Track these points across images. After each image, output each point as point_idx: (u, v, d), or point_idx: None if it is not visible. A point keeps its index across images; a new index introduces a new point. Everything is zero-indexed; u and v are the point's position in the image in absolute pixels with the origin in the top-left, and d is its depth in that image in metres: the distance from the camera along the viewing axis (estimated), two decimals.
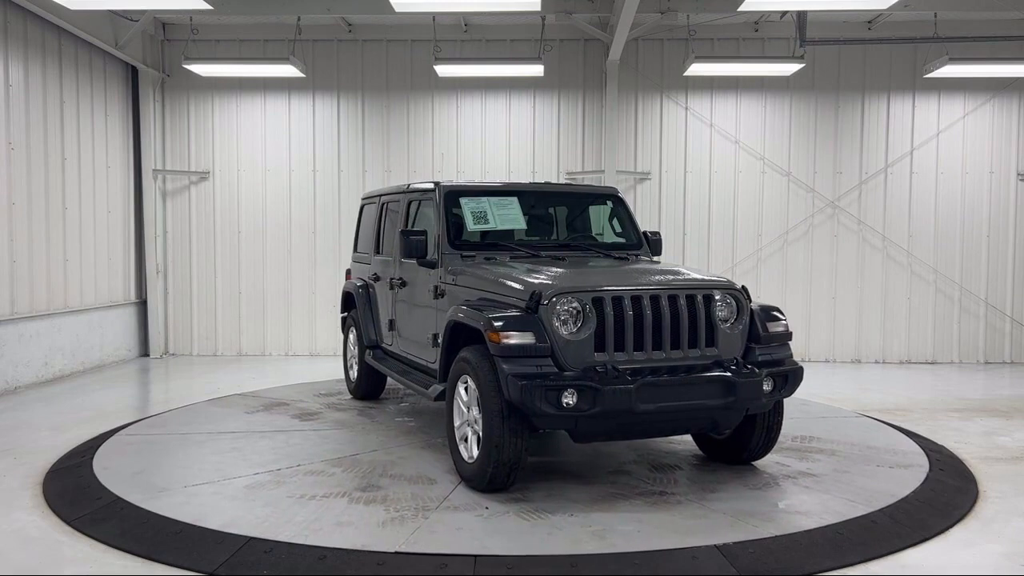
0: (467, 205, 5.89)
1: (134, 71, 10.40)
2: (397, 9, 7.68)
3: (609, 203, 6.47)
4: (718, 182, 10.53)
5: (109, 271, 9.96)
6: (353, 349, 7.60)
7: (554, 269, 5.09)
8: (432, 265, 5.73)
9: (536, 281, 4.74)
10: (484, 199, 5.94)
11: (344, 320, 7.84)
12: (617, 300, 4.62)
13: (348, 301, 7.68)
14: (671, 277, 4.97)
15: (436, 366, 5.61)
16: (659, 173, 10.54)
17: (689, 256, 10.53)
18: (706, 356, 4.74)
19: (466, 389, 4.88)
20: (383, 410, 7.10)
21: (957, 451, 5.94)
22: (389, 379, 7.46)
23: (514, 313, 4.58)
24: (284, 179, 10.69)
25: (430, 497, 4.68)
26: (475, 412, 4.74)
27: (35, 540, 4.14)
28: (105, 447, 5.75)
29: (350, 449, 5.75)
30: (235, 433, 6.18)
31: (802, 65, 9.43)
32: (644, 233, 6.36)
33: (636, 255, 6.11)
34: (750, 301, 5.02)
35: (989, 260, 10.49)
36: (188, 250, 10.78)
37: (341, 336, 7.99)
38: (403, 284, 6.39)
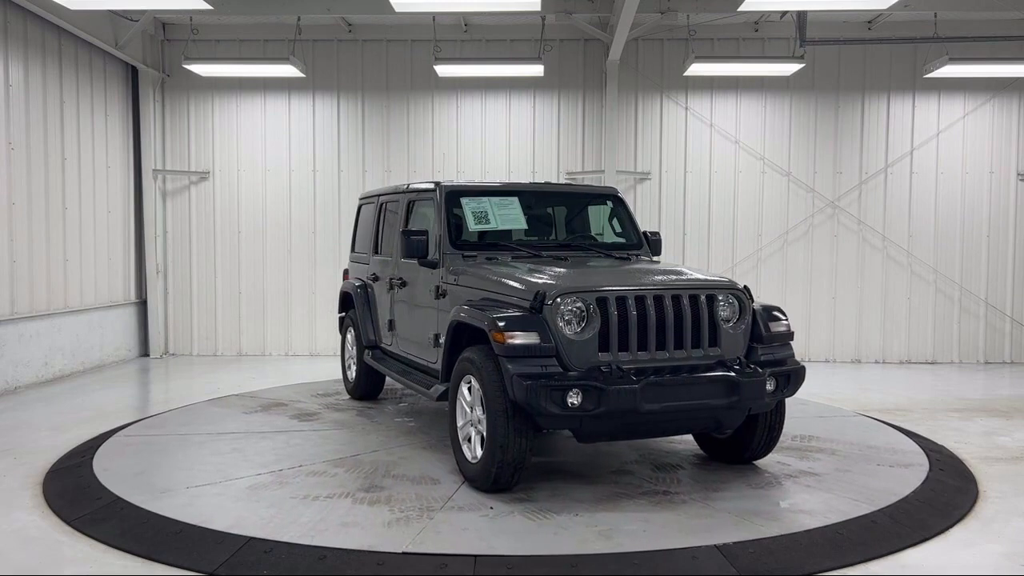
0: (468, 205, 5.89)
1: (134, 71, 10.40)
2: (397, 9, 7.68)
3: (609, 203, 6.47)
4: (718, 182, 10.53)
5: (109, 271, 9.97)
6: (351, 349, 7.59)
7: (557, 269, 5.10)
8: (433, 265, 5.73)
9: (540, 281, 4.74)
10: (485, 199, 5.94)
11: (342, 320, 7.83)
12: (621, 300, 4.63)
13: (346, 301, 7.68)
14: (674, 277, 4.97)
15: (437, 366, 5.61)
16: (659, 173, 10.54)
17: (689, 256, 10.53)
18: (709, 356, 4.75)
19: (469, 389, 4.87)
20: (382, 410, 7.10)
21: (957, 451, 5.94)
22: (387, 379, 7.48)
23: (518, 313, 4.59)
24: (284, 179, 10.70)
25: (434, 497, 4.67)
26: (479, 412, 4.74)
27: (35, 540, 4.14)
28: (105, 448, 5.75)
29: (351, 449, 5.74)
30: (235, 434, 6.18)
31: (802, 65, 9.43)
32: (644, 233, 6.36)
33: (636, 255, 6.11)
34: (752, 301, 5.03)
35: (989, 260, 10.49)
36: (188, 250, 10.78)
37: (340, 336, 7.99)
38: (403, 284, 6.39)
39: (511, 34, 10.38)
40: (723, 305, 4.86)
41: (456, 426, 5.03)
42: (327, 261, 10.61)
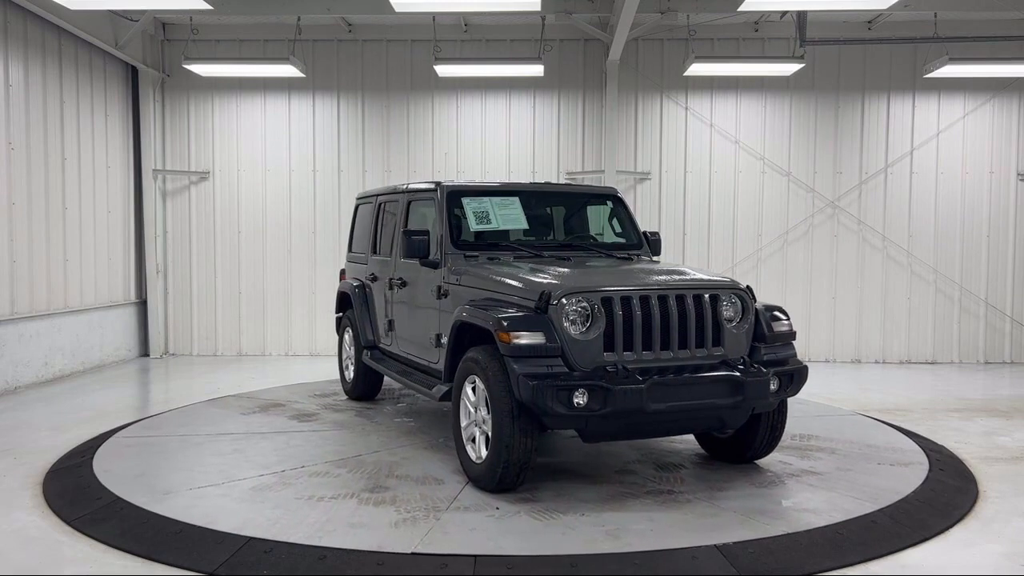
0: (469, 205, 5.89)
1: (134, 71, 10.40)
2: (397, 9, 7.68)
3: (609, 203, 6.47)
4: (718, 182, 10.53)
5: (109, 271, 9.97)
6: (349, 350, 7.59)
7: (561, 269, 5.10)
8: (434, 265, 5.73)
9: (544, 281, 4.74)
10: (486, 199, 5.95)
11: (339, 320, 7.81)
12: (626, 300, 4.64)
13: (344, 301, 7.67)
14: (677, 277, 4.98)
15: (438, 366, 5.61)
16: (659, 173, 10.54)
17: (689, 256, 10.53)
18: (713, 356, 4.77)
19: (474, 389, 4.87)
20: (381, 411, 7.10)
21: (957, 451, 5.94)
22: (385, 380, 7.47)
23: (524, 313, 4.59)
24: (284, 179, 10.70)
25: (439, 498, 4.67)
26: (483, 412, 4.74)
27: (35, 540, 4.14)
28: (104, 448, 5.74)
29: (352, 450, 5.74)
30: (234, 434, 6.18)
31: (802, 65, 9.43)
32: (644, 233, 6.37)
33: (637, 255, 6.12)
34: (755, 301, 5.04)
35: (989, 260, 10.49)
36: (188, 250, 10.78)
37: (337, 337, 7.99)
38: (403, 284, 6.38)
39: (511, 34, 10.38)
40: (726, 305, 4.88)
41: (460, 426, 5.02)
42: (327, 261, 10.61)
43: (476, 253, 5.65)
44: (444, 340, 5.38)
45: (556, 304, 4.53)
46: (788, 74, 9.98)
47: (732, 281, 5.05)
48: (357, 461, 5.45)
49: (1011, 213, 10.47)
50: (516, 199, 6.04)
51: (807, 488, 4.92)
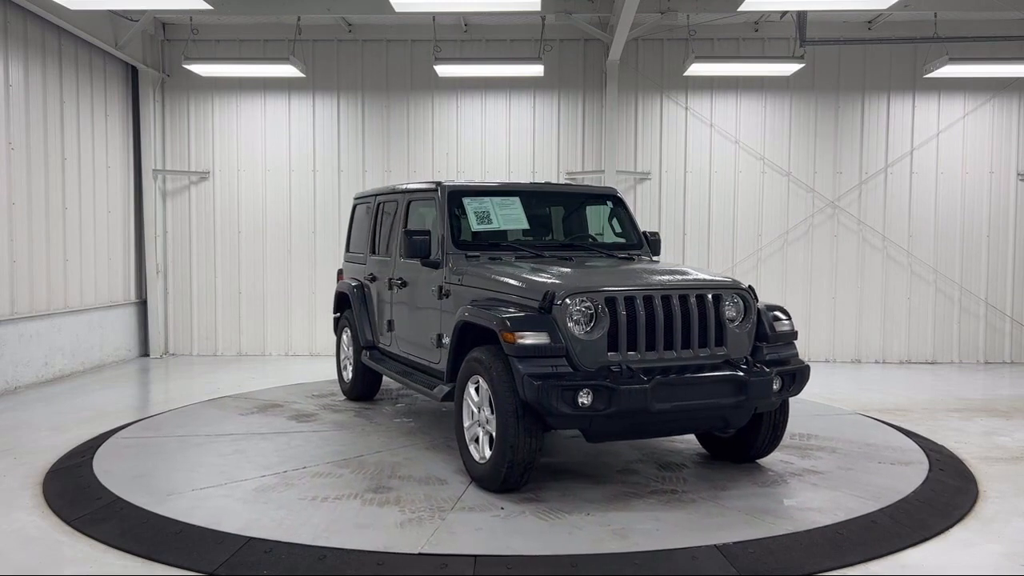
0: (470, 205, 5.89)
1: (134, 71, 10.40)
2: (397, 9, 7.68)
3: (609, 203, 6.48)
4: (718, 182, 10.53)
5: (109, 271, 9.96)
6: (347, 350, 7.58)
7: (564, 269, 5.11)
8: (436, 265, 5.72)
9: (548, 281, 4.75)
10: (487, 199, 5.95)
11: (337, 320, 7.79)
12: (630, 300, 4.65)
13: (342, 301, 7.66)
14: (680, 277, 4.99)
15: (440, 366, 5.61)
16: (659, 173, 10.54)
17: (689, 256, 10.53)
18: (716, 356, 4.78)
19: (477, 389, 4.87)
20: (379, 411, 7.09)
21: (957, 451, 5.94)
22: (384, 379, 7.46)
23: (528, 313, 4.59)
24: (284, 179, 10.69)
25: (443, 498, 4.67)
26: (487, 412, 4.74)
27: (35, 540, 4.14)
28: (104, 449, 5.73)
29: (353, 451, 5.73)
30: (234, 435, 6.17)
31: (802, 65, 9.43)
32: (644, 233, 6.37)
33: (637, 255, 6.12)
34: (757, 301, 5.05)
35: (989, 260, 10.49)
36: (188, 250, 10.78)
37: (335, 337, 7.98)
38: (403, 284, 6.38)
39: (511, 34, 10.38)
40: (729, 305, 4.89)
41: (463, 427, 5.02)
42: (327, 261, 10.61)
43: (477, 253, 5.64)
44: (446, 340, 5.38)
45: (560, 304, 4.53)
46: (788, 74, 9.98)
47: (734, 281, 5.07)
48: (359, 462, 5.45)
49: (1011, 213, 10.47)
50: (517, 199, 6.04)
51: (810, 487, 4.94)
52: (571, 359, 4.49)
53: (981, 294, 10.49)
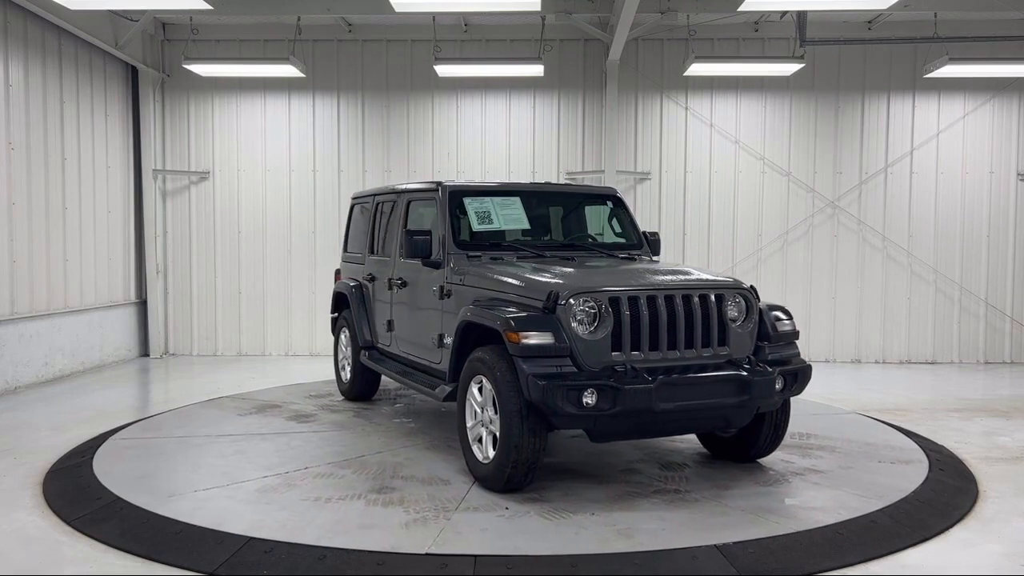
0: (471, 205, 5.88)
1: (134, 71, 10.40)
2: (397, 9, 7.68)
3: (609, 203, 6.48)
4: (718, 182, 10.53)
5: (109, 271, 9.96)
6: (346, 350, 7.58)
7: (566, 269, 5.12)
8: (437, 265, 5.72)
9: (551, 281, 4.75)
10: (488, 199, 5.95)
11: (335, 321, 7.78)
12: (633, 300, 4.65)
13: (340, 302, 7.65)
14: (683, 277, 5.00)
15: (441, 367, 5.61)
16: (659, 173, 10.54)
17: (689, 256, 10.53)
18: (718, 355, 4.79)
19: (480, 389, 4.87)
20: (379, 411, 7.09)
21: (957, 451, 5.94)
22: (382, 380, 7.45)
23: (532, 313, 4.59)
24: (284, 179, 10.69)
25: (447, 498, 4.67)
26: (490, 412, 4.74)
27: (35, 540, 4.14)
28: (104, 449, 5.73)
29: (354, 451, 5.73)
30: (234, 436, 6.17)
31: (802, 65, 9.43)
32: (643, 233, 6.38)
33: (638, 255, 6.12)
34: (759, 301, 5.05)
35: (989, 260, 10.49)
36: (188, 250, 10.78)
37: (333, 337, 7.97)
38: (403, 284, 6.37)
39: (511, 34, 10.38)
40: (731, 305, 4.91)
41: (465, 427, 5.01)
42: (327, 261, 10.60)
43: (478, 253, 5.64)
44: (447, 340, 5.37)
45: (564, 304, 4.53)
46: (788, 74, 9.98)
47: (736, 281, 5.08)
48: (360, 462, 5.44)
49: (1011, 213, 10.47)
50: (517, 199, 6.04)
51: (812, 486, 4.95)
52: (575, 359, 4.49)
53: (981, 294, 10.49)
